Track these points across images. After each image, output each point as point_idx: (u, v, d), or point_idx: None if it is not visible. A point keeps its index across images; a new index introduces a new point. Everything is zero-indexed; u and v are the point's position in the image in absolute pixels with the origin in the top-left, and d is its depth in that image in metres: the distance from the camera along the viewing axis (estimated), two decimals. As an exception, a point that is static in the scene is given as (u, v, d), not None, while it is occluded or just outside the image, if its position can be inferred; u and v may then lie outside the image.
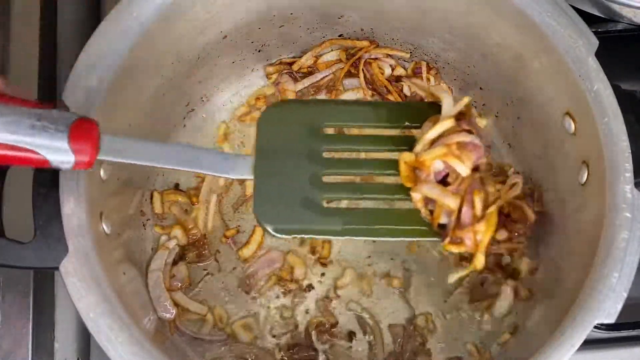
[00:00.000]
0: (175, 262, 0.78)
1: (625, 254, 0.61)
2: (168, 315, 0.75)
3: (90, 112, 0.62)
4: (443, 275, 0.81)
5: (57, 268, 0.59)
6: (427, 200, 0.61)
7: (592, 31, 0.66)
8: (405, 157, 0.60)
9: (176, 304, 0.77)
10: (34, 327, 0.75)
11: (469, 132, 0.60)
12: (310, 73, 0.87)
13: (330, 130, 0.65)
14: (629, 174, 0.62)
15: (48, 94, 0.85)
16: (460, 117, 0.62)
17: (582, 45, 0.66)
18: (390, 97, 0.85)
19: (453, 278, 0.68)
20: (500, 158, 0.85)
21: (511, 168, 0.83)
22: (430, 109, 0.63)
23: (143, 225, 0.80)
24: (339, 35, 0.86)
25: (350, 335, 0.78)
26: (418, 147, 0.60)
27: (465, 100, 0.62)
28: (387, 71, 0.86)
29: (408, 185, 0.60)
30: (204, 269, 0.80)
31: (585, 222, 0.68)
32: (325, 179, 0.62)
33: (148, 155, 0.58)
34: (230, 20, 0.75)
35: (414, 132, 0.64)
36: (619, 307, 0.60)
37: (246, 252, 0.80)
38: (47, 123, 0.51)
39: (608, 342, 0.77)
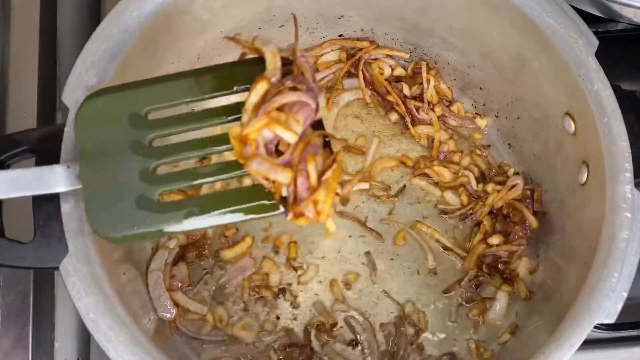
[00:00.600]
0: (175, 262, 0.78)
1: (625, 254, 0.61)
2: (168, 315, 0.75)
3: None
4: (440, 273, 0.81)
5: (57, 268, 0.59)
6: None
7: (592, 31, 0.66)
8: (232, 132, 0.53)
9: (176, 304, 0.77)
10: (34, 327, 0.75)
11: (294, 88, 0.53)
12: (310, 73, 0.87)
13: (155, 115, 0.57)
14: (629, 174, 0.62)
15: (48, 93, 0.85)
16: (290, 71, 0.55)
17: (582, 45, 0.66)
18: (390, 98, 0.85)
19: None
20: (500, 158, 0.86)
21: (511, 168, 0.83)
22: (259, 67, 0.55)
23: (144, 237, 0.80)
24: (339, 35, 0.86)
25: (352, 342, 0.78)
26: (244, 118, 0.53)
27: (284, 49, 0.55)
28: (387, 71, 0.86)
29: (241, 161, 0.53)
30: (204, 269, 0.80)
31: (585, 222, 0.68)
32: (159, 170, 0.56)
33: None
34: (230, 20, 0.75)
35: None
36: (619, 307, 0.60)
37: (228, 253, 0.80)
38: None
39: (608, 342, 0.77)
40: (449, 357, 0.77)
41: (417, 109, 0.85)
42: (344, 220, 0.83)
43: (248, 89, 0.54)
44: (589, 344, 0.61)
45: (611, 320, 0.60)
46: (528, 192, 0.80)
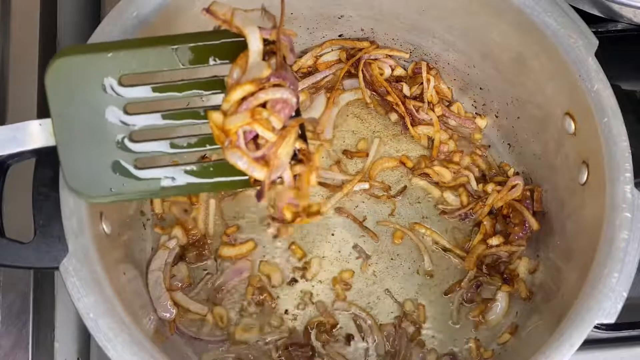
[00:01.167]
0: (175, 262, 0.78)
1: (625, 254, 0.61)
2: (168, 315, 0.75)
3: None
4: (440, 274, 0.81)
5: (57, 268, 0.59)
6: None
7: (592, 31, 0.66)
8: (213, 119, 0.53)
9: (176, 304, 0.76)
10: (34, 327, 0.75)
11: (278, 85, 0.52)
12: (310, 73, 0.87)
13: (130, 80, 0.55)
14: (629, 174, 0.62)
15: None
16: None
17: (582, 45, 0.66)
18: (390, 98, 0.85)
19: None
20: (500, 158, 0.86)
21: (511, 169, 0.83)
22: (239, 42, 0.55)
23: (143, 225, 0.80)
24: (339, 35, 0.86)
25: (349, 338, 0.78)
26: (224, 105, 0.53)
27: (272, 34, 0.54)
28: (387, 72, 0.86)
29: (220, 145, 0.53)
30: (204, 269, 0.80)
31: (585, 222, 0.68)
32: (135, 136, 0.56)
33: None
34: (230, 19, 0.75)
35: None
36: (619, 307, 0.60)
37: (227, 251, 0.80)
38: None
39: (608, 342, 0.77)
40: (449, 357, 0.77)
41: (417, 109, 0.85)
42: (344, 221, 0.83)
43: (226, 64, 0.54)
44: (589, 344, 0.61)
45: (611, 320, 0.60)
46: (528, 193, 0.80)
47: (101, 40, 0.63)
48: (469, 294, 0.79)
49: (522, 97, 0.78)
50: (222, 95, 0.54)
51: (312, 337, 0.77)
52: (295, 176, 0.54)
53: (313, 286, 0.80)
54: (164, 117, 0.57)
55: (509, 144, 0.85)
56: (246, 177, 0.55)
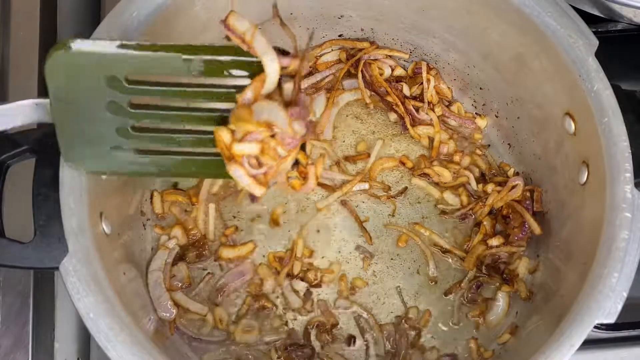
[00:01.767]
0: (175, 262, 0.78)
1: (625, 254, 0.61)
2: (168, 315, 0.75)
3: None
4: (440, 275, 0.81)
5: (57, 268, 0.59)
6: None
7: (592, 31, 0.66)
8: (222, 137, 0.54)
9: (176, 304, 0.76)
10: (34, 327, 0.75)
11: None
12: (310, 73, 0.87)
13: (136, 78, 0.56)
14: (629, 174, 0.62)
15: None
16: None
17: (582, 45, 0.66)
18: (389, 99, 0.85)
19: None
20: (500, 158, 0.85)
21: (511, 169, 0.83)
22: (253, 64, 0.55)
23: (143, 225, 0.80)
24: (339, 36, 0.86)
25: (350, 338, 0.78)
26: (235, 128, 0.53)
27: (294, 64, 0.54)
28: (387, 72, 0.86)
29: (222, 156, 0.55)
30: (204, 269, 0.80)
31: (585, 222, 0.68)
32: (135, 127, 0.57)
33: None
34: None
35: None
36: (619, 307, 0.60)
37: (227, 252, 0.80)
38: None
39: (608, 342, 0.77)
40: (449, 357, 0.77)
41: (417, 109, 0.85)
42: (344, 222, 0.83)
43: (245, 77, 0.54)
44: (589, 344, 0.60)
45: (611, 320, 0.60)
46: (528, 193, 0.80)
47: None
48: (469, 294, 0.79)
49: (522, 97, 0.78)
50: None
51: (312, 337, 0.77)
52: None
53: (313, 286, 0.80)
54: (168, 119, 0.58)
55: (509, 144, 0.85)
56: None
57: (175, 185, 0.82)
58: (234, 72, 0.55)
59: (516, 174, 0.83)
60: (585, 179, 0.67)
